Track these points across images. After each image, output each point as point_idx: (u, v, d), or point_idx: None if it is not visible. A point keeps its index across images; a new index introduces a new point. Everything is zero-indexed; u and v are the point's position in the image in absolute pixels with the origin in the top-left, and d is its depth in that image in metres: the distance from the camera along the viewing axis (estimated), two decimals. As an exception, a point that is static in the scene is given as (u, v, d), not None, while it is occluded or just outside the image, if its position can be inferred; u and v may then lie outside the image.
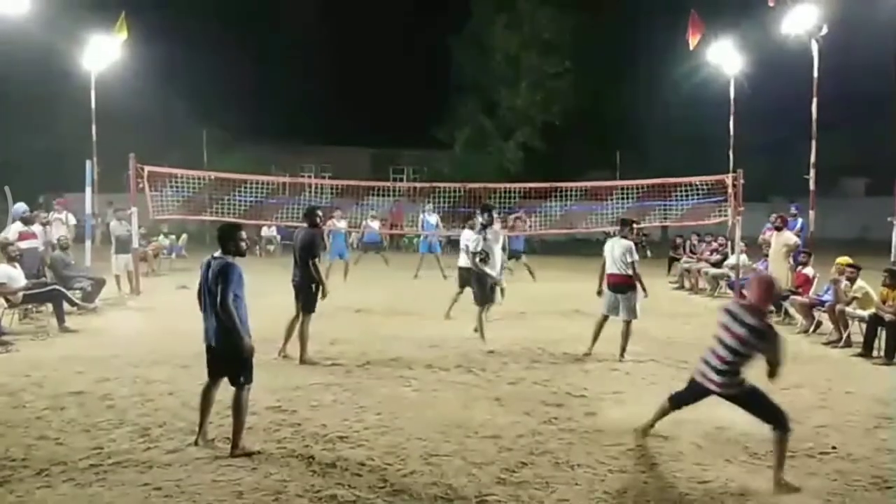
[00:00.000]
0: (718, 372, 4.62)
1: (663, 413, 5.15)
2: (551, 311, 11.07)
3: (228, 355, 4.94)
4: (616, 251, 7.76)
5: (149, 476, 4.49)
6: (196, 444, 5.03)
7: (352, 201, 17.46)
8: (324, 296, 7.57)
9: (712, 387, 4.67)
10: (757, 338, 4.49)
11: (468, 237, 9.66)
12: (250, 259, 17.44)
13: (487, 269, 8.46)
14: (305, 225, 7.88)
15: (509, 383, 6.79)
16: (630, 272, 7.69)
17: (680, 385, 5.60)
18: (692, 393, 4.92)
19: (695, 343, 7.58)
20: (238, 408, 4.91)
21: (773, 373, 4.55)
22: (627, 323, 7.74)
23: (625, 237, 7.88)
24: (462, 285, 9.91)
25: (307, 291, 7.51)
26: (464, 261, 9.73)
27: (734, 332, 4.53)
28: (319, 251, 7.76)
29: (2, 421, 5.55)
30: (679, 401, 5.05)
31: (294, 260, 7.62)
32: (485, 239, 8.47)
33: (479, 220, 8.76)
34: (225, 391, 5.14)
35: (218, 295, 4.77)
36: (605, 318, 7.91)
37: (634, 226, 8.34)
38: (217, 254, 5.00)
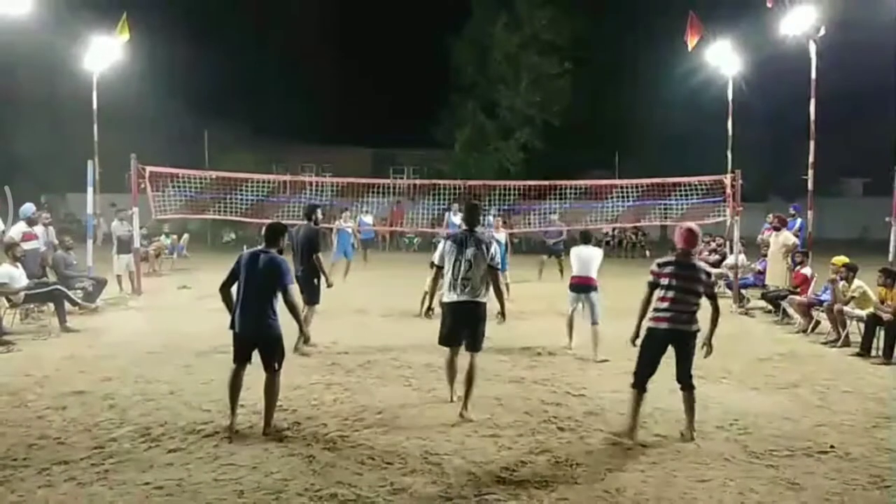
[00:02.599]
0: (693, 318, 5.16)
1: (639, 402, 5.26)
2: (551, 311, 11.09)
3: (270, 343, 5.28)
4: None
5: (150, 475, 4.51)
6: (232, 430, 5.25)
7: (352, 201, 17.49)
8: (329, 285, 8.17)
9: (693, 327, 5.15)
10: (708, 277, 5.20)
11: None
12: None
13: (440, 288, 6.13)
14: (305, 222, 8.37)
15: (509, 383, 6.81)
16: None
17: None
18: (658, 356, 5.19)
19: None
20: (272, 391, 5.29)
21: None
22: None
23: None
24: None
25: (311, 284, 8.03)
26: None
27: (703, 280, 5.16)
28: (321, 246, 8.29)
29: (3, 420, 5.57)
30: (644, 378, 5.23)
31: (296, 256, 8.00)
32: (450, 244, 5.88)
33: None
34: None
35: (277, 286, 5.21)
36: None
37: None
38: (263, 247, 5.39)
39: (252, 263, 5.28)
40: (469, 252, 5.68)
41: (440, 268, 5.89)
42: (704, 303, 5.27)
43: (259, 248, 5.43)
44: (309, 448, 5.01)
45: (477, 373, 5.80)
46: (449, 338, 5.87)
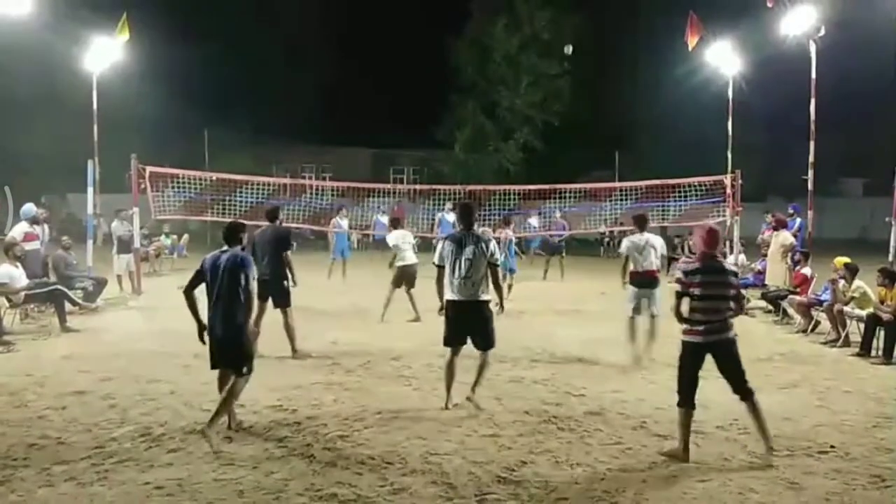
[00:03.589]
0: (727, 324, 4.87)
1: (688, 419, 4.91)
2: (551, 311, 11.10)
3: (234, 344, 5.20)
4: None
5: (150, 475, 4.51)
6: (230, 427, 5.32)
7: (353, 202, 17.52)
8: (294, 284, 7.75)
9: (730, 334, 4.87)
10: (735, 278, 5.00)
11: (408, 235, 10.32)
12: (251, 259, 16.94)
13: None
14: (267, 222, 8.01)
15: (509, 383, 6.81)
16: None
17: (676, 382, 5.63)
18: (697, 369, 4.90)
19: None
20: (231, 392, 5.15)
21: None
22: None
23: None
24: (398, 284, 10.08)
25: (281, 287, 7.60)
26: (412, 258, 10.10)
27: (733, 283, 4.94)
28: (291, 245, 8.08)
29: (3, 420, 5.57)
30: (689, 394, 4.90)
31: (260, 259, 7.43)
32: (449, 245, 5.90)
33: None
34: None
35: (241, 282, 5.14)
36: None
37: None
38: (224, 248, 5.31)
39: (215, 265, 5.21)
40: (468, 251, 5.70)
41: (441, 267, 5.85)
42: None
43: (222, 248, 5.32)
44: (309, 448, 5.01)
45: (489, 364, 6.01)
46: (451, 338, 5.88)
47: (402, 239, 10.24)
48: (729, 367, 4.89)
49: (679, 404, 4.93)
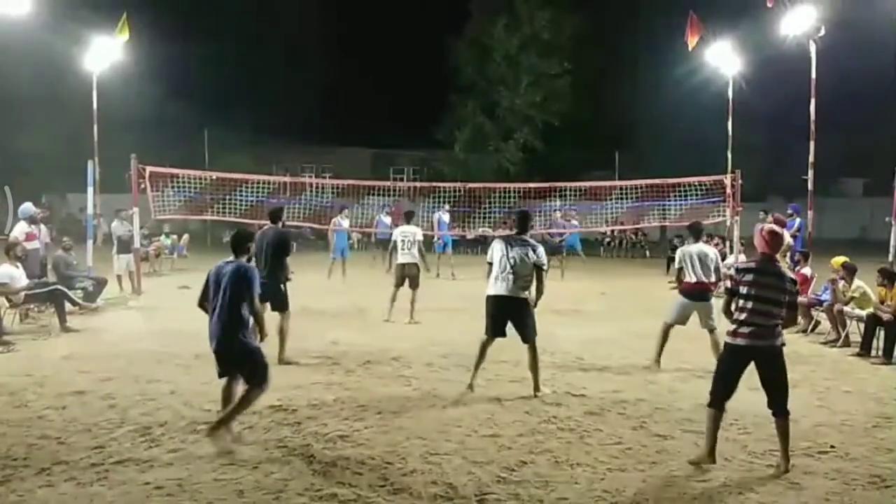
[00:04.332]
0: (775, 332, 4.65)
1: (716, 422, 4.78)
2: (551, 311, 11.08)
3: (236, 357, 5.02)
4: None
5: (150, 475, 4.51)
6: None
7: (353, 201, 17.52)
8: (287, 279, 7.67)
9: (778, 342, 4.63)
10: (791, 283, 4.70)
11: (408, 231, 10.04)
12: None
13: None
14: (270, 223, 7.91)
15: (509, 383, 6.81)
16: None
17: (679, 385, 5.64)
18: (736, 374, 4.72)
19: (693, 342, 7.61)
20: (245, 400, 4.99)
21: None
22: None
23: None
24: (400, 283, 10.06)
25: (279, 291, 7.46)
26: (407, 257, 10.00)
27: (788, 289, 4.64)
28: (291, 250, 8.02)
29: (3, 420, 5.57)
30: (721, 396, 4.75)
31: (260, 260, 7.29)
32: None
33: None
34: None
35: (245, 297, 4.97)
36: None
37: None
38: (230, 259, 5.15)
39: (219, 276, 5.06)
40: (516, 251, 6.24)
41: (490, 264, 6.40)
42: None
43: (227, 259, 5.17)
44: (309, 447, 5.01)
45: (537, 357, 6.40)
46: (489, 327, 6.43)
47: (400, 235, 10.11)
48: (770, 377, 4.67)
49: (709, 404, 4.77)
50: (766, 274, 4.65)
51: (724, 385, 4.71)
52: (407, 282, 10.04)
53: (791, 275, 4.85)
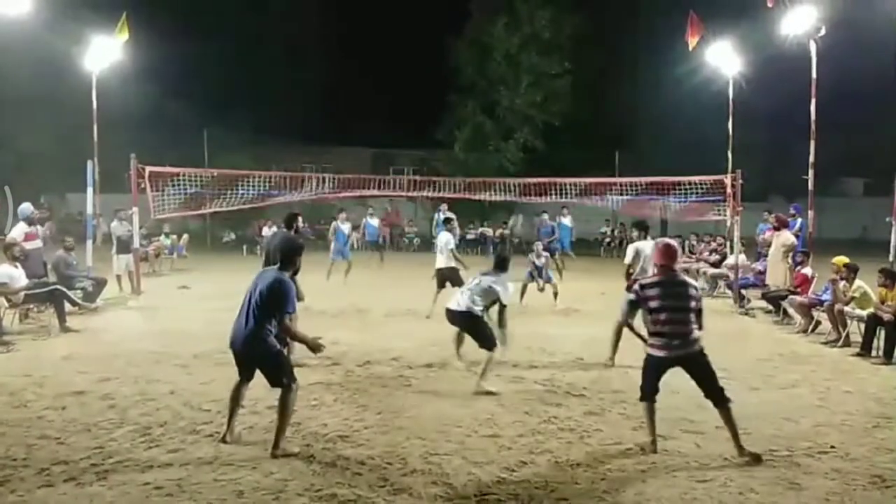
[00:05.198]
0: (691, 339, 4.90)
1: (652, 413, 5.07)
2: (551, 311, 11.09)
3: (256, 358, 4.99)
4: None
5: (150, 475, 4.51)
6: (224, 441, 5.08)
7: (353, 200, 17.51)
8: None
9: (695, 347, 4.90)
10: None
11: (445, 239, 10.38)
12: (251, 259, 17.62)
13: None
14: (284, 229, 7.99)
15: (509, 383, 6.81)
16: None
17: (679, 386, 5.64)
18: (660, 377, 5.03)
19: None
20: (283, 408, 4.92)
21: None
22: None
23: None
24: (441, 285, 10.32)
25: None
26: (441, 262, 10.32)
27: (693, 295, 4.93)
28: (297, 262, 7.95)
29: (3, 420, 5.57)
30: (651, 393, 5.05)
31: (267, 262, 7.20)
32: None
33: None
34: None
35: (274, 311, 4.89)
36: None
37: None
38: (276, 268, 5.11)
39: (258, 280, 5.02)
40: (488, 278, 6.91)
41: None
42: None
43: (274, 267, 5.17)
44: (309, 448, 5.01)
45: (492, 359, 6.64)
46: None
47: (441, 242, 10.49)
48: (699, 377, 4.94)
49: (641, 399, 5.09)
50: (672, 285, 4.93)
51: (650, 385, 5.03)
52: (449, 283, 10.22)
53: (694, 282, 5.09)
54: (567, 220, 17.61)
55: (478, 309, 6.76)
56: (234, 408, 5.19)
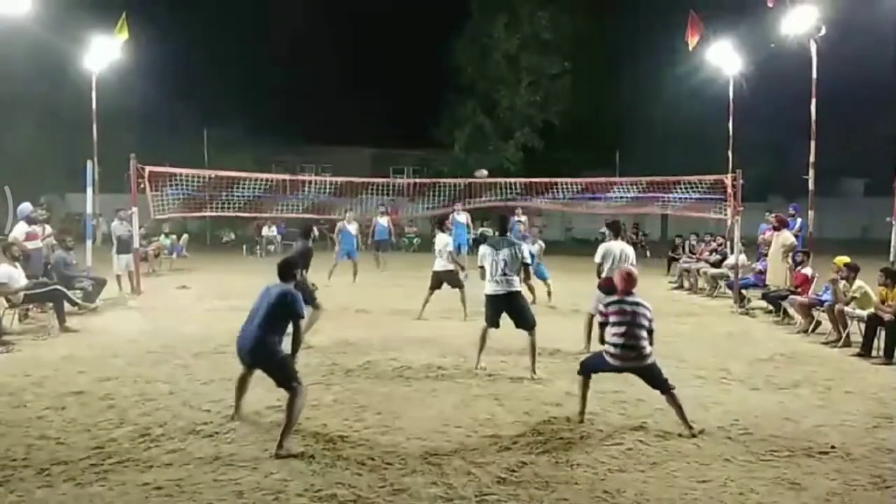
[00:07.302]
0: (644, 354, 5.45)
1: (586, 388, 5.69)
2: (550, 310, 11.08)
3: (265, 366, 5.23)
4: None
5: (149, 475, 4.50)
6: (233, 418, 5.47)
7: (352, 199, 17.52)
8: None
9: (647, 361, 5.46)
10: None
11: (443, 241, 10.32)
12: (251, 259, 17.61)
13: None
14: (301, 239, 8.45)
15: (509, 383, 6.81)
16: None
17: (679, 386, 5.65)
18: (607, 371, 5.64)
19: (694, 342, 7.60)
20: (290, 408, 5.03)
21: None
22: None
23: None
24: (435, 286, 10.29)
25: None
26: (440, 265, 10.26)
27: (647, 315, 5.51)
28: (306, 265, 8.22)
29: (3, 421, 5.56)
30: (591, 372, 5.72)
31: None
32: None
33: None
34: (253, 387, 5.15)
35: (286, 320, 5.21)
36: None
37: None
38: (279, 283, 5.38)
39: (266, 294, 5.32)
40: (503, 252, 6.95)
41: (482, 268, 7.12)
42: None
43: (278, 281, 5.43)
44: (309, 448, 5.00)
45: (536, 344, 7.02)
46: (488, 318, 7.12)
47: (440, 244, 10.41)
48: (648, 382, 5.56)
49: (579, 372, 5.78)
50: (629, 304, 5.52)
51: (593, 370, 5.73)
52: (448, 285, 10.23)
53: (649, 304, 5.61)
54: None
55: (518, 285, 7.02)
56: (241, 394, 5.54)
